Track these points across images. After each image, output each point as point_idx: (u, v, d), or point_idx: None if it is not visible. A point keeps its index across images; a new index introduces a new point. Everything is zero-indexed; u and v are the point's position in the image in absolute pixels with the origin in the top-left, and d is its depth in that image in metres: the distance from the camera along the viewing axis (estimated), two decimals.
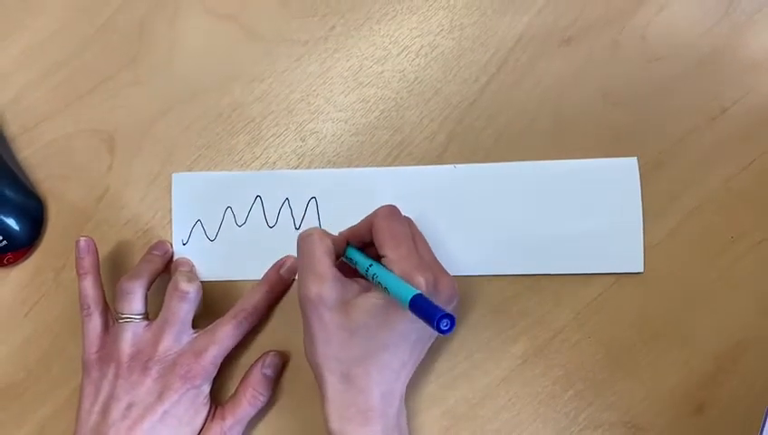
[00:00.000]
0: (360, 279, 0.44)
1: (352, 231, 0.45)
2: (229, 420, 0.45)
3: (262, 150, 0.50)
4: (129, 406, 0.43)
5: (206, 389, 0.45)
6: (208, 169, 0.50)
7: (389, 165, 0.49)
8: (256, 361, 0.47)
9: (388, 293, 0.40)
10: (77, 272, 0.46)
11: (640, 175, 0.47)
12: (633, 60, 0.48)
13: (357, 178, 0.49)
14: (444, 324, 0.36)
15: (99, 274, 0.47)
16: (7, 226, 0.49)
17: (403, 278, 0.40)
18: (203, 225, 0.49)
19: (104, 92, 0.51)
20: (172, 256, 0.49)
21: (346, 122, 0.50)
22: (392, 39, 0.50)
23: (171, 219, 0.49)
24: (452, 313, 0.36)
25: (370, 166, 0.49)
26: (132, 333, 0.45)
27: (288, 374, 0.48)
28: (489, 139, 0.48)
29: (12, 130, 0.51)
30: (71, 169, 0.50)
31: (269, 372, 0.46)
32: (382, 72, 0.50)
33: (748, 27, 0.48)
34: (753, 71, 0.48)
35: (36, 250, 0.50)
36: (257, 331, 0.48)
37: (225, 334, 0.45)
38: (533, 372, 0.47)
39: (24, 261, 0.50)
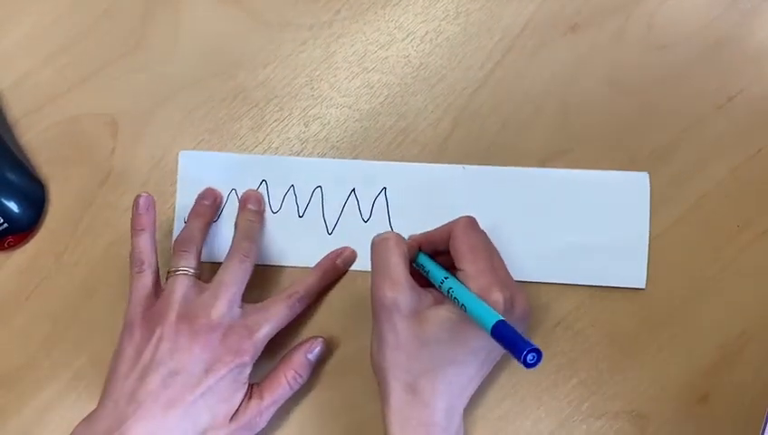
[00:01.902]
0: (432, 289, 0.43)
1: (426, 237, 0.45)
2: (267, 400, 0.43)
3: (265, 135, 0.49)
4: (172, 374, 0.41)
5: (249, 368, 0.43)
6: None
7: (393, 151, 0.49)
8: (301, 344, 0.46)
9: (465, 311, 0.39)
10: (132, 228, 0.45)
11: (647, 174, 0.47)
12: (639, 48, 0.48)
13: (364, 170, 0.48)
14: (531, 358, 0.35)
15: (155, 232, 0.45)
16: (8, 209, 0.48)
17: (480, 295, 0.40)
18: None
19: (108, 76, 0.50)
20: (221, 201, 0.48)
21: (350, 108, 0.49)
22: (397, 24, 0.50)
23: (174, 204, 0.49)
24: (537, 347, 0.35)
25: (374, 152, 0.49)
26: (186, 288, 0.43)
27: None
28: (494, 126, 0.48)
29: (14, 113, 0.51)
30: (73, 152, 0.50)
31: (313, 357, 0.45)
32: (387, 57, 0.49)
33: (754, 16, 0.48)
34: (759, 59, 0.47)
35: (37, 234, 0.50)
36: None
37: (278, 313, 0.44)
38: None
39: (25, 244, 0.50)
